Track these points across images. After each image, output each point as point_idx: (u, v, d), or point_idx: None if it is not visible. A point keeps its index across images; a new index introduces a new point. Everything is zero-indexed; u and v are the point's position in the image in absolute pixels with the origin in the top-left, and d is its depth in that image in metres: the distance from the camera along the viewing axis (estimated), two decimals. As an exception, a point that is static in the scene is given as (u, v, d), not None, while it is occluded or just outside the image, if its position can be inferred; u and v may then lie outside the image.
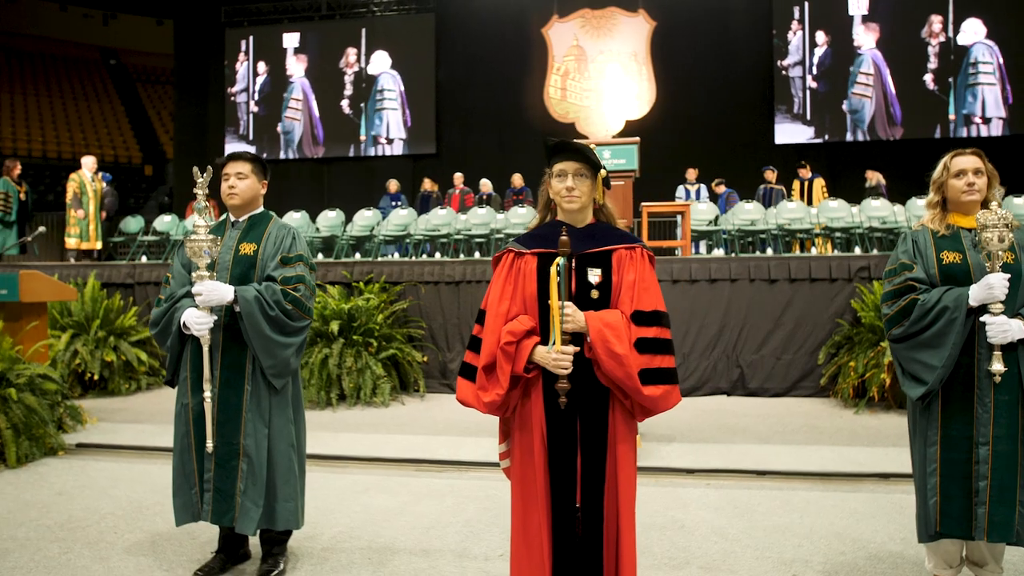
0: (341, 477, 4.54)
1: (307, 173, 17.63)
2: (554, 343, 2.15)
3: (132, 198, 22.67)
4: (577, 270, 2.24)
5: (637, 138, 8.01)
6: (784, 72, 15.00)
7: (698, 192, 12.42)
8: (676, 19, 15.23)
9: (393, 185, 13.28)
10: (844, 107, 14.04)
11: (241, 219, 3.15)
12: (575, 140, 2.28)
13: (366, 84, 17.05)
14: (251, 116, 17.90)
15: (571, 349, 2.13)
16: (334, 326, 6.34)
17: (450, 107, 16.72)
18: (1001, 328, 2.49)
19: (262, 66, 17.87)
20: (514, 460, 2.32)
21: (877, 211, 9.47)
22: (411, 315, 7.19)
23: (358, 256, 11.22)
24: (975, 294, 2.53)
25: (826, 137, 14.24)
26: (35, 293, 5.34)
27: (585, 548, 2.18)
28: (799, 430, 5.43)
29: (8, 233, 10.97)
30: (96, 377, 6.75)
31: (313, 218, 11.44)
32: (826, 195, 10.85)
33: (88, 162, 10.64)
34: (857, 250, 9.31)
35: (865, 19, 14.24)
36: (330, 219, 11.48)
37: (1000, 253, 2.51)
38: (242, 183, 3.09)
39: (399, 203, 12.96)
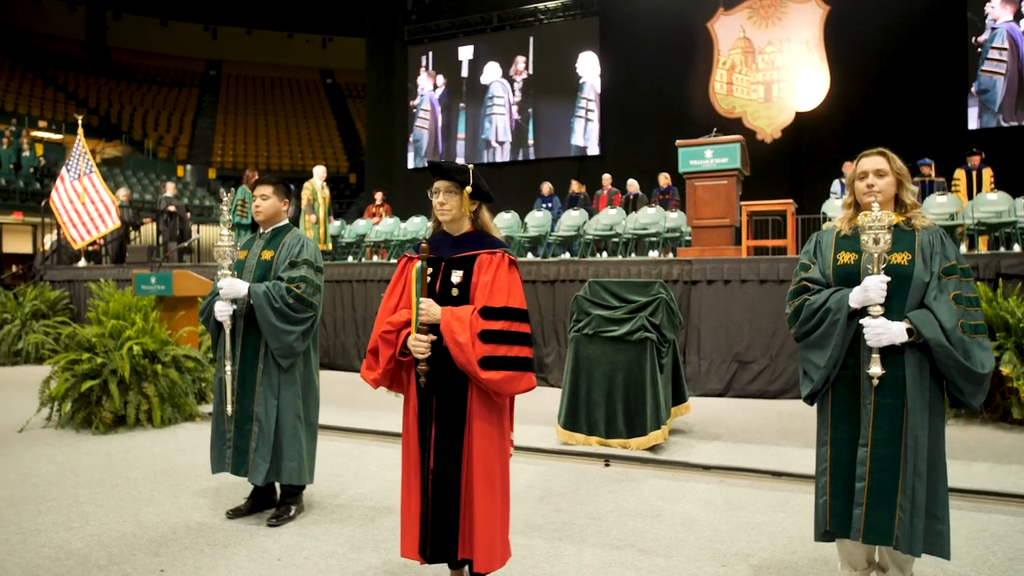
0: (395, 452, 5.16)
1: (481, 176, 18.67)
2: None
3: (338, 204, 25.41)
4: (444, 272, 2.64)
5: (740, 136, 7.93)
6: (980, 50, 13.55)
7: (855, 186, 11.67)
8: (853, 1, 14.31)
9: (546, 188, 13.80)
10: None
11: (266, 231, 3.87)
12: (444, 161, 2.67)
13: (534, 90, 17.81)
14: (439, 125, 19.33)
15: (425, 337, 2.54)
16: (430, 320, 7.02)
17: (614, 107, 16.98)
18: (876, 331, 2.50)
19: (440, 79, 19.24)
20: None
21: (1044, 204, 8.45)
22: (511, 311, 7.69)
23: (529, 256, 11.78)
24: (853, 296, 2.56)
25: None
26: (185, 288, 6.56)
27: (442, 507, 2.57)
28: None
29: (246, 233, 12.92)
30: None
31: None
32: (994, 187, 9.80)
33: (319, 171, 11.56)
34: (1016, 247, 8.38)
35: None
36: (506, 220, 12.10)
37: (877, 255, 2.51)
38: (265, 203, 3.81)
39: (550, 205, 13.51)
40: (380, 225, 12.61)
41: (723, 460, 4.64)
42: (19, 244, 19.44)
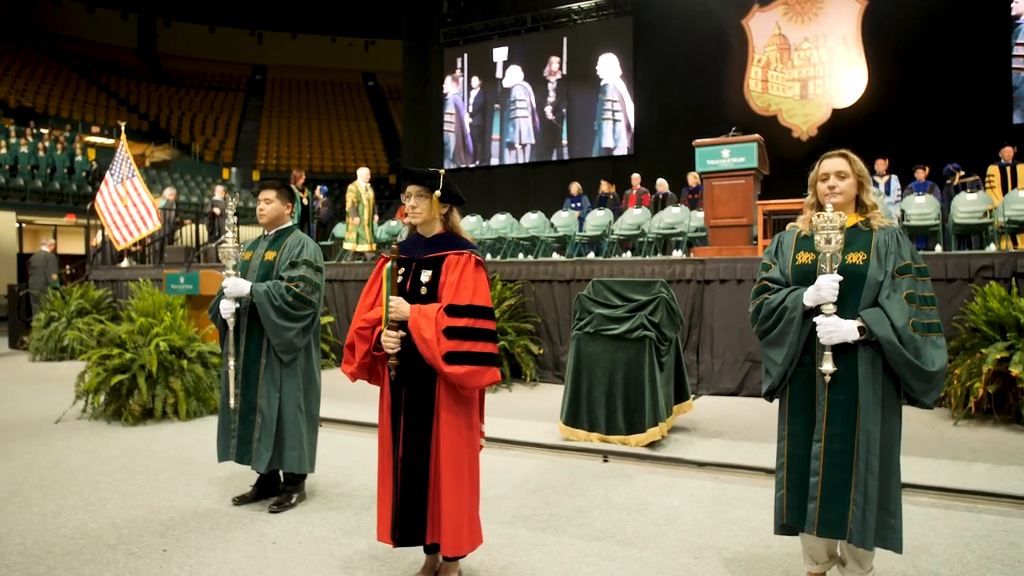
0: (401, 444, 5.34)
1: (515, 176, 18.82)
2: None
3: (379, 204, 25.88)
4: (415, 271, 2.79)
5: (757, 136, 7.91)
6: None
7: (887, 184, 11.54)
8: (891, -6, 14.08)
9: (575, 188, 13.89)
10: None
11: (270, 233, 4.08)
12: (416, 167, 2.81)
13: (567, 91, 17.91)
14: (465, 128, 19.56)
15: (394, 333, 2.70)
16: (446, 318, 7.19)
17: (648, 107, 16.96)
18: (827, 329, 2.56)
19: (475, 80, 19.44)
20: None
21: (1079, 202, 8.23)
22: (528, 311, 7.84)
23: (555, 256, 11.87)
24: (808, 295, 2.63)
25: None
26: (211, 287, 6.84)
27: (410, 493, 2.73)
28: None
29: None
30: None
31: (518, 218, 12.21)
32: (1029, 184, 9.56)
33: (363, 173, 11.60)
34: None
35: None
36: (532, 220, 12.19)
37: (830, 255, 2.58)
38: (269, 206, 4.01)
39: (579, 205, 13.59)
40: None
41: (719, 457, 4.69)
42: (73, 245, 20.27)
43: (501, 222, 12.15)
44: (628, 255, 10.98)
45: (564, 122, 18.01)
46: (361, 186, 11.53)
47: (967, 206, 8.87)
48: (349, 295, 9.41)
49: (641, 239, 10.96)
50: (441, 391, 2.73)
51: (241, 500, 4.03)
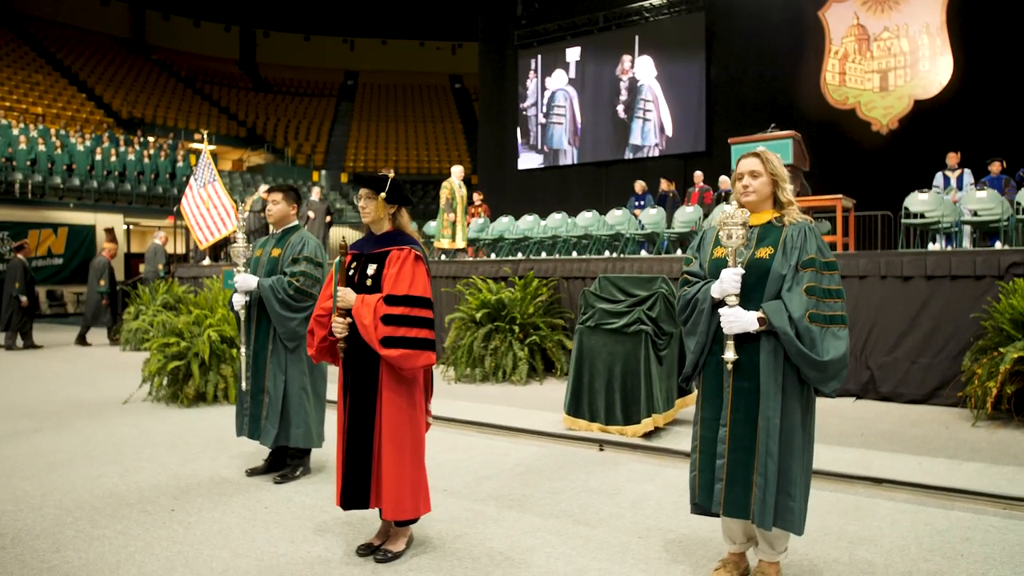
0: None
1: (587, 175, 18.99)
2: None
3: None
4: (363, 265, 3.12)
5: (794, 132, 7.84)
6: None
7: (960, 179, 11.06)
8: (980, -22, 13.44)
9: (639, 186, 13.96)
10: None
11: (277, 232, 4.52)
12: (368, 173, 3.13)
13: (639, 89, 17.98)
14: (539, 128, 19.89)
15: (342, 320, 3.04)
16: (479, 314, 7.53)
17: (722, 103, 16.80)
18: (729, 319, 2.72)
19: (549, 82, 19.72)
20: (339, 398, 3.27)
21: None
22: (562, 307, 8.06)
23: (607, 253, 12.06)
24: (713, 287, 2.79)
25: None
26: (263, 282, 7.42)
27: (353, 463, 3.06)
28: (869, 435, 5.17)
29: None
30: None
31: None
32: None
33: (457, 171, 11.78)
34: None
35: None
36: (587, 219, 12.38)
37: (732, 250, 2.73)
38: (276, 207, 4.45)
39: (642, 203, 13.66)
40: (472, 224, 13.26)
41: (709, 449, 4.79)
42: (172, 245, 21.85)
43: (557, 221, 12.38)
44: (679, 252, 10.99)
45: (634, 120, 18.08)
46: (455, 183, 11.65)
47: (1032, 201, 8.45)
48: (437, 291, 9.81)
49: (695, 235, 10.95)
50: (384, 372, 3.05)
51: (253, 472, 4.49)
